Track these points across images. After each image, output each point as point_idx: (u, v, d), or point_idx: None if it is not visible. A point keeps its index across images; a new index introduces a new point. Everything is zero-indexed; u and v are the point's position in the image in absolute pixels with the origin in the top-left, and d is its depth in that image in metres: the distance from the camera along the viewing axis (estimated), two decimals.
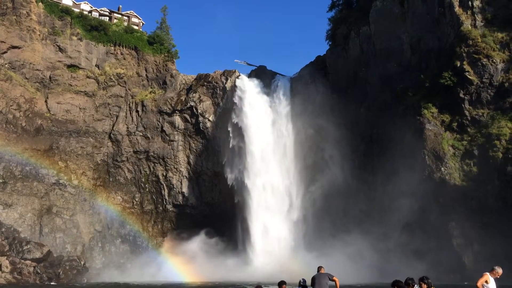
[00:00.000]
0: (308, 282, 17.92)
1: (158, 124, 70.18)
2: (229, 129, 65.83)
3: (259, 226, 61.48)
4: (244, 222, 62.25)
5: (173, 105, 70.03)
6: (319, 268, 18.19)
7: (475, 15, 52.68)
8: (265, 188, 62.90)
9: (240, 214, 63.23)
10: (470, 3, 52.90)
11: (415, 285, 12.76)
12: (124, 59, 73.09)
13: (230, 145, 65.14)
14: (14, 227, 57.53)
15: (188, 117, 69.72)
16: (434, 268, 44.83)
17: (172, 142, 69.74)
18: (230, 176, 64.74)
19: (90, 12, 76.73)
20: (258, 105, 66.35)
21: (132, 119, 70.53)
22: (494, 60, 50.04)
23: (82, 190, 65.55)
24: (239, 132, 65.04)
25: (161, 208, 69.36)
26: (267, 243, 60.56)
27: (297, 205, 62.67)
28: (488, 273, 14.48)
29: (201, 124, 68.84)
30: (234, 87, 68.22)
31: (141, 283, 52.80)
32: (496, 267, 14.54)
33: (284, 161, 64.49)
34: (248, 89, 67.28)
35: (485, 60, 50.23)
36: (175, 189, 69.23)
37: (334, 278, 17.27)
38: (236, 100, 66.71)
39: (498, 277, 14.57)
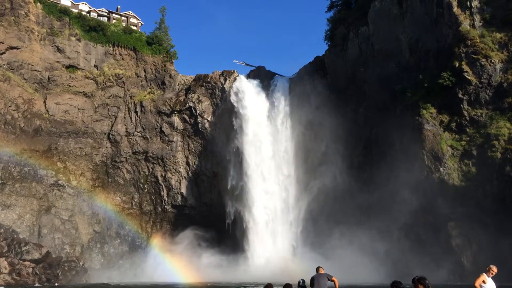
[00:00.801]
0: (307, 283, 17.95)
1: (157, 125, 70.15)
2: (228, 158, 65.44)
3: (259, 227, 61.44)
4: (244, 224, 62.18)
5: (172, 105, 69.99)
6: (318, 268, 18.21)
7: (474, 15, 52.68)
8: (265, 190, 62.81)
9: (239, 217, 63.23)
10: (468, 3, 52.90)
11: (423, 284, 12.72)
12: (123, 59, 73.07)
13: (230, 173, 64.86)
14: (12, 228, 57.47)
15: (187, 117, 69.69)
16: (432, 268, 44.84)
17: (171, 143, 69.71)
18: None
19: (88, 12, 76.68)
20: (256, 105, 66.31)
21: (131, 120, 70.50)
22: (492, 60, 50.05)
23: (81, 191, 65.50)
24: (239, 155, 64.60)
25: (160, 208, 69.33)
26: (267, 244, 60.51)
27: (296, 206, 62.61)
28: (484, 274, 14.71)
29: (200, 124, 68.81)
30: (232, 87, 68.16)
31: (140, 283, 52.77)
32: (491, 266, 14.87)
33: (283, 162, 64.47)
34: (247, 90, 67.25)
35: (483, 60, 50.24)
36: (174, 189, 69.19)
37: (333, 278, 17.33)
38: (234, 102, 66.61)
39: (494, 274, 14.78)
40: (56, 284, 51.90)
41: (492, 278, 14.87)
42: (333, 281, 17.39)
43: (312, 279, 17.53)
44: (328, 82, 66.25)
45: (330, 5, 73.14)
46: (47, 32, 68.53)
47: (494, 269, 14.77)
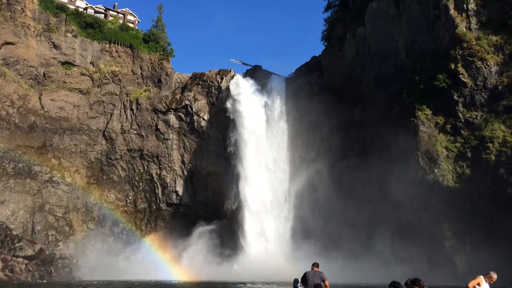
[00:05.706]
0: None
1: (153, 123, 70.01)
2: (225, 157, 65.31)
3: (255, 224, 61.39)
4: (239, 223, 62.11)
5: (168, 103, 69.87)
6: (316, 265, 17.39)
7: (470, 17, 52.93)
8: (260, 188, 62.78)
9: (235, 215, 63.13)
10: (465, 6, 53.13)
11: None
12: (119, 56, 72.85)
13: (226, 173, 64.77)
14: (6, 224, 57.18)
15: (182, 115, 69.58)
16: (426, 269, 45.00)
17: (166, 141, 69.59)
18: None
19: (85, 9, 76.44)
20: (252, 105, 66.27)
21: (127, 117, 70.32)
22: (488, 63, 50.31)
23: (75, 187, 65.26)
24: (235, 154, 64.60)
25: (154, 206, 69.17)
26: (263, 241, 60.54)
27: (292, 203, 62.66)
28: (482, 277, 14.21)
29: (195, 123, 68.73)
30: (229, 86, 68.09)
31: (134, 281, 52.63)
32: (491, 272, 14.25)
33: (279, 161, 64.48)
34: (243, 89, 67.19)
35: (479, 62, 50.49)
36: (169, 187, 69.07)
37: (326, 282, 16.68)
38: (230, 100, 66.51)
39: (492, 282, 14.33)
40: (48, 281, 51.71)
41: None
42: (325, 285, 16.73)
43: (305, 276, 16.92)
44: (324, 82, 66.37)
45: (327, 6, 73.45)
46: (43, 28, 68.21)
47: (494, 276, 14.16)
